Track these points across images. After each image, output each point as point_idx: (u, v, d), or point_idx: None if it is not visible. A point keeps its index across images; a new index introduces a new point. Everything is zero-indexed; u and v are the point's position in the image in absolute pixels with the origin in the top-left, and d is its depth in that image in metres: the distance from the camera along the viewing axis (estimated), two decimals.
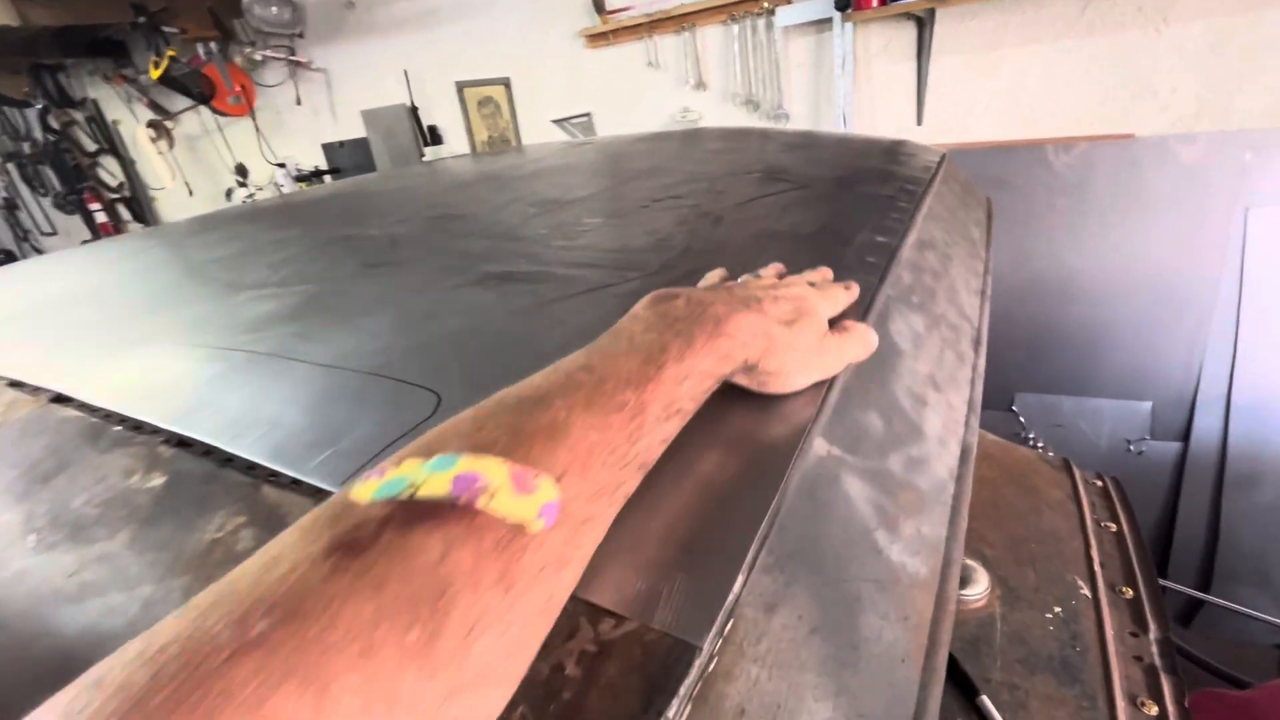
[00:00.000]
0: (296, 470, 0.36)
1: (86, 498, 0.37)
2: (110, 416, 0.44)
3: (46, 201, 5.74)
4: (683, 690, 0.26)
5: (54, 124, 4.99)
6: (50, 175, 5.41)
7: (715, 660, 0.28)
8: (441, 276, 0.61)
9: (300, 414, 0.40)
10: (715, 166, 1.03)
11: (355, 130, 3.61)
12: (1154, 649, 0.86)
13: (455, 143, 3.29)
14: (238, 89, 3.62)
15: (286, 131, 3.89)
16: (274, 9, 3.26)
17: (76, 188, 5.25)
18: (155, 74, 3.26)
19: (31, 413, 0.46)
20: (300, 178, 3.89)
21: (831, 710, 0.30)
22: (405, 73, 3.19)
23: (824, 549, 0.36)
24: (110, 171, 5.18)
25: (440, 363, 0.45)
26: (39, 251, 6.76)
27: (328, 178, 3.84)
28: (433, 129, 3.31)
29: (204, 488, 0.36)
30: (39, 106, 4.84)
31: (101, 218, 5.32)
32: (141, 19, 3.18)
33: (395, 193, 1.15)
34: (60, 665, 0.31)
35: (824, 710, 0.29)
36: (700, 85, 2.48)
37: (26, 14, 2.84)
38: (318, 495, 0.35)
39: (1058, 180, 2.03)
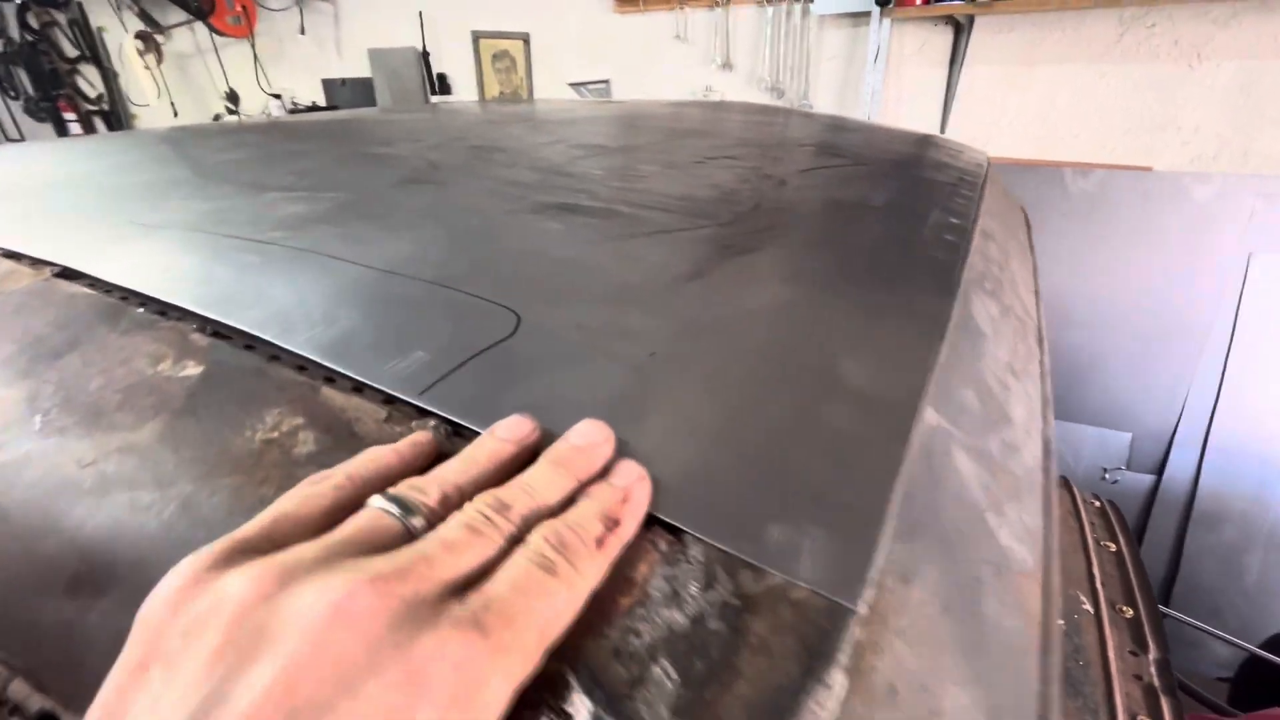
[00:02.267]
0: (365, 374, 0.31)
1: (104, 381, 0.32)
2: (129, 298, 0.38)
3: (16, 106, 5.40)
4: (842, 658, 0.22)
5: (33, 23, 4.68)
6: (23, 77, 5.08)
7: (864, 629, 0.24)
8: (495, 201, 0.56)
9: (359, 316, 0.35)
10: (764, 135, 0.99)
11: (359, 69, 3.45)
12: (1153, 669, 0.86)
13: (464, 94, 3.17)
14: (239, 8, 3.43)
15: (286, 62, 3.71)
16: None
17: (51, 94, 4.95)
18: None
19: (33, 285, 0.40)
20: (295, 111, 3.71)
21: (970, 698, 0.26)
22: (420, 14, 3.06)
23: (944, 523, 0.32)
24: (89, 81, 4.90)
25: (512, 283, 0.40)
26: None
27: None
28: (442, 77, 3.18)
29: (250, 382, 0.31)
30: (18, 2, 4.54)
31: (75, 129, 5.03)
32: None
33: (413, 123, 1.08)
34: (74, 565, 0.25)
35: (963, 697, 0.26)
36: (727, 65, 2.42)
37: None
38: (391, 404, 0.30)
39: (1071, 205, 2.04)
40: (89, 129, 5.04)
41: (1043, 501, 0.42)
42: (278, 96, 3.77)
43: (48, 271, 0.41)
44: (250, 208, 0.53)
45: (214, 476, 0.27)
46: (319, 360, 0.32)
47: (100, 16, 4.52)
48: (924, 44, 2.10)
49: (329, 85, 3.66)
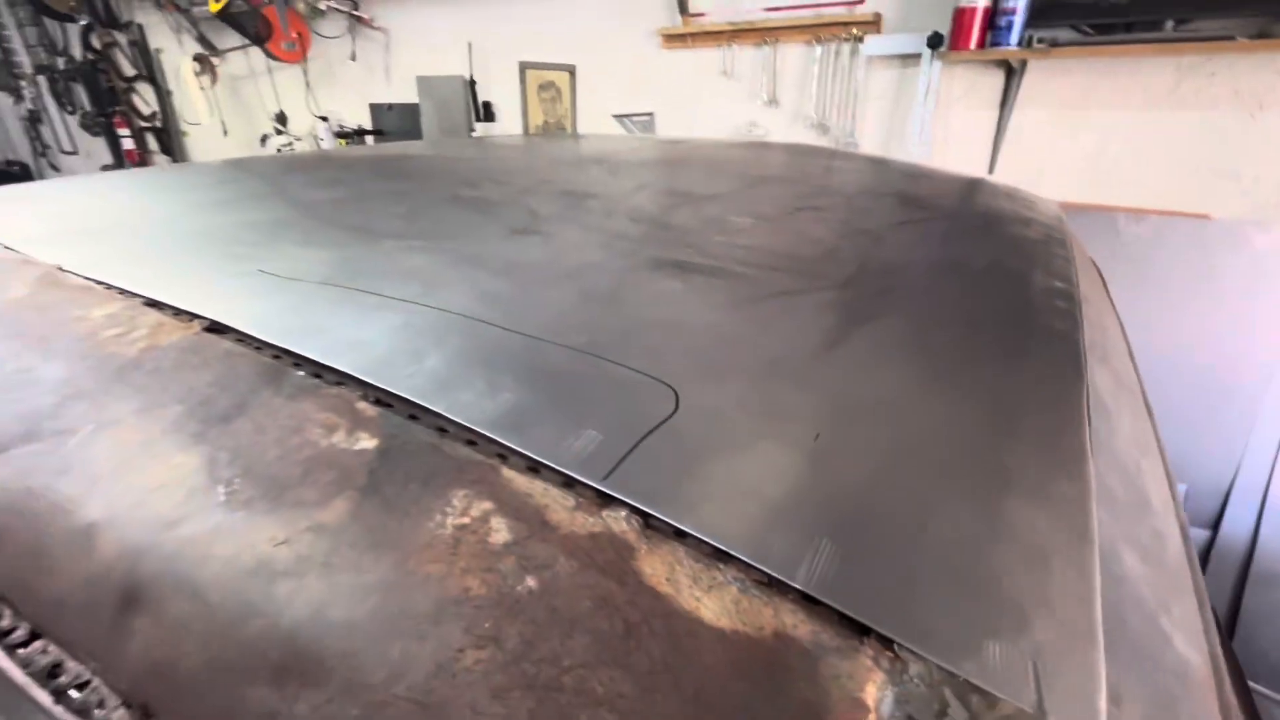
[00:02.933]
0: (544, 454, 0.30)
1: (280, 451, 0.32)
2: (281, 356, 0.39)
3: (73, 120, 5.63)
4: None
5: (95, 43, 4.89)
6: (82, 94, 5.30)
7: None
8: (610, 256, 0.56)
9: (521, 387, 0.35)
10: (840, 182, 0.99)
11: (407, 95, 3.55)
12: None
13: (507, 122, 3.23)
14: (294, 35, 3.55)
15: (335, 85, 3.83)
16: None
17: (108, 110, 5.15)
18: (215, 7, 3.19)
19: (186, 340, 0.41)
20: (341, 134, 3.82)
21: None
22: (469, 44, 3.14)
23: (1131, 632, 0.31)
24: (145, 99, 5.08)
25: (659, 353, 0.40)
26: (55, 169, 6.64)
27: (370, 139, 3.78)
28: (487, 105, 3.26)
29: (428, 459, 0.31)
30: (83, 23, 4.75)
31: (128, 144, 5.22)
32: None
33: (480, 162, 1.10)
34: (279, 652, 0.25)
35: None
36: (773, 102, 2.45)
37: None
38: (572, 487, 0.30)
39: (1124, 249, 2.01)
40: (141, 145, 5.22)
41: (1196, 599, 0.41)
42: (325, 119, 3.88)
43: (196, 325, 0.42)
44: (372, 258, 0.53)
45: (415, 565, 0.27)
46: (496, 438, 0.32)
47: (159, 38, 4.71)
48: (973, 85, 2.10)
49: (376, 110, 3.76)
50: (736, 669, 0.23)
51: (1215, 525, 2.06)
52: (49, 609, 0.30)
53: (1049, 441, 0.38)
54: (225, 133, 4.62)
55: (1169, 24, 1.72)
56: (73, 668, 0.30)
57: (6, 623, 0.32)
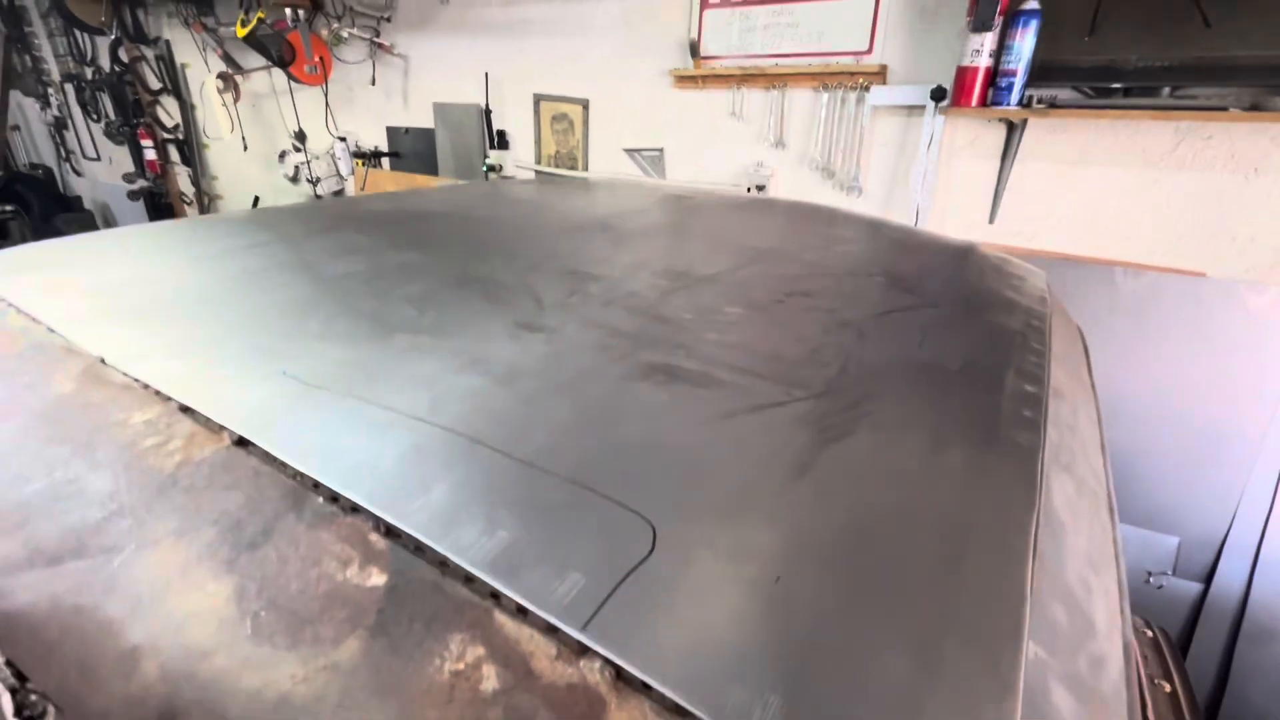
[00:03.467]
0: (531, 600, 0.35)
1: (301, 585, 0.36)
2: (302, 478, 0.43)
3: (98, 128, 5.77)
4: None
5: (123, 56, 5.03)
6: (107, 103, 5.44)
7: None
8: (604, 360, 0.61)
9: (515, 523, 0.39)
10: (833, 259, 1.03)
11: (423, 120, 3.64)
12: None
13: (521, 150, 3.31)
14: (316, 59, 3.65)
15: (354, 107, 3.92)
16: None
17: (132, 121, 5.28)
18: (241, 32, 3.29)
19: (217, 454, 0.45)
20: (358, 154, 3.91)
21: None
22: (486, 75, 3.22)
23: None
24: (168, 112, 5.21)
25: (641, 482, 0.44)
26: (78, 173, 6.79)
27: (385, 161, 3.86)
28: (501, 134, 3.33)
29: (430, 599, 0.35)
30: (112, 37, 4.89)
31: (150, 155, 5.34)
32: None
33: (495, 223, 1.15)
34: None
35: None
36: (780, 144, 2.50)
37: None
38: (554, 634, 0.34)
39: (1121, 303, 2.04)
40: (164, 156, 5.35)
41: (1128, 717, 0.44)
42: (343, 139, 3.97)
43: (226, 438, 0.47)
44: (385, 359, 0.58)
45: (416, 709, 0.31)
46: (489, 581, 0.36)
47: (185, 53, 4.83)
48: (976, 138, 2.15)
49: (393, 133, 3.85)
50: None
51: (1208, 579, 2.07)
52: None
53: (990, 582, 0.41)
54: (245, 148, 4.73)
55: (1166, 90, 1.77)
56: None
57: None
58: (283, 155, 4.52)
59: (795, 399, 0.58)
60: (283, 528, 0.40)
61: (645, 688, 0.32)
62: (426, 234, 1.04)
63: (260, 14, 3.30)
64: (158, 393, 0.52)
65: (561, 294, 0.76)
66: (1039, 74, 1.87)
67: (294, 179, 4.52)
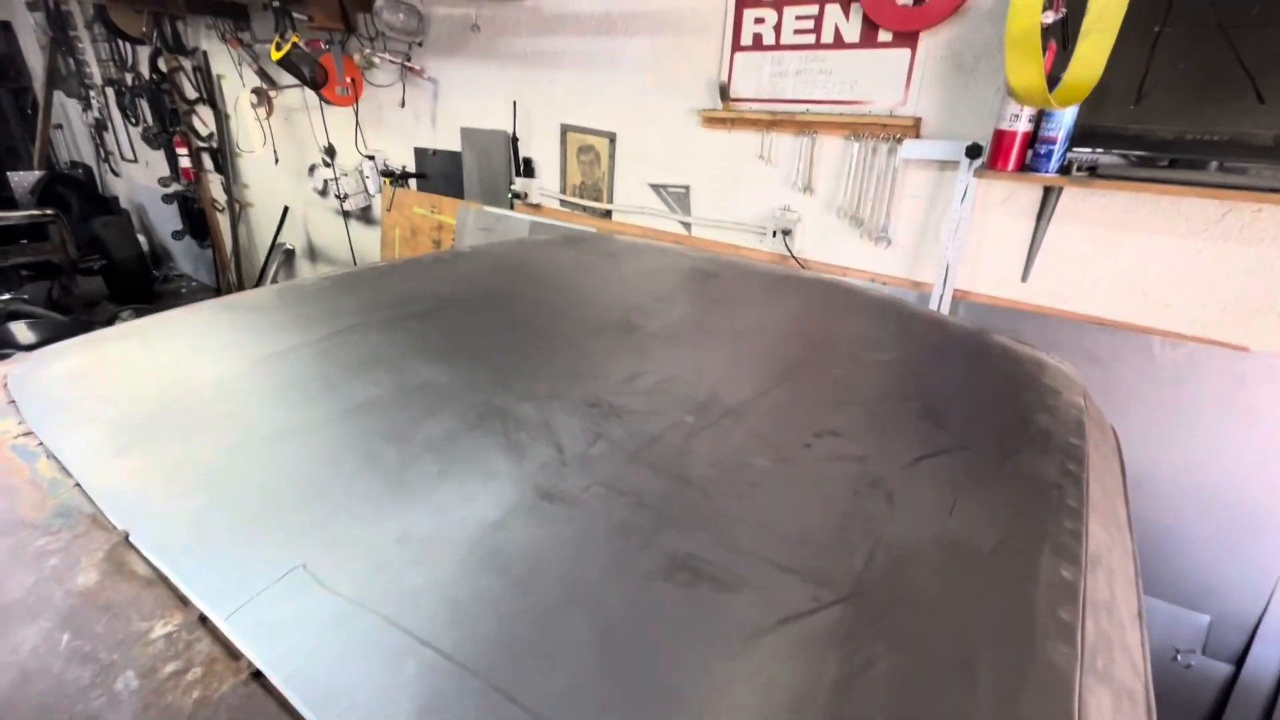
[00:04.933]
0: None
1: None
2: None
3: (136, 131, 5.91)
4: None
5: (162, 66, 5.13)
6: (146, 108, 5.57)
7: None
8: (625, 548, 0.60)
9: None
10: (863, 377, 1.00)
11: (450, 142, 3.66)
12: None
13: (546, 179, 3.31)
14: (348, 81, 3.69)
15: (383, 127, 3.96)
16: (401, 15, 3.32)
17: (169, 128, 5.40)
18: (276, 55, 3.33)
19: (234, 692, 0.45)
20: (386, 173, 3.95)
21: None
22: (514, 103, 3.23)
23: None
24: (203, 121, 5.31)
25: None
26: (116, 174, 6.96)
27: (413, 181, 3.89)
28: (528, 161, 3.34)
29: None
30: (152, 47, 5.00)
31: (185, 162, 5.45)
32: (275, 2, 3.26)
33: (521, 316, 1.14)
34: None
35: None
36: (808, 189, 2.47)
37: None
38: None
39: (1158, 373, 1.98)
40: (198, 164, 5.46)
41: None
42: (371, 158, 4.01)
43: (245, 668, 0.46)
44: (406, 557, 0.57)
45: None
46: None
47: (221, 65, 4.92)
48: (1011, 195, 2.10)
49: (420, 154, 3.88)
50: None
51: (1240, 661, 2.00)
52: None
53: None
54: (277, 160, 4.80)
55: (1214, 164, 1.70)
56: None
57: None
58: (312, 169, 4.58)
59: (822, 605, 0.56)
60: None
61: None
62: (449, 333, 1.03)
63: (295, 38, 3.34)
64: (179, 596, 0.52)
65: (583, 442, 0.75)
66: (1081, 138, 1.82)
67: (323, 192, 4.58)
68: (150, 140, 5.62)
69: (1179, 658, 2.04)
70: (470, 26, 3.26)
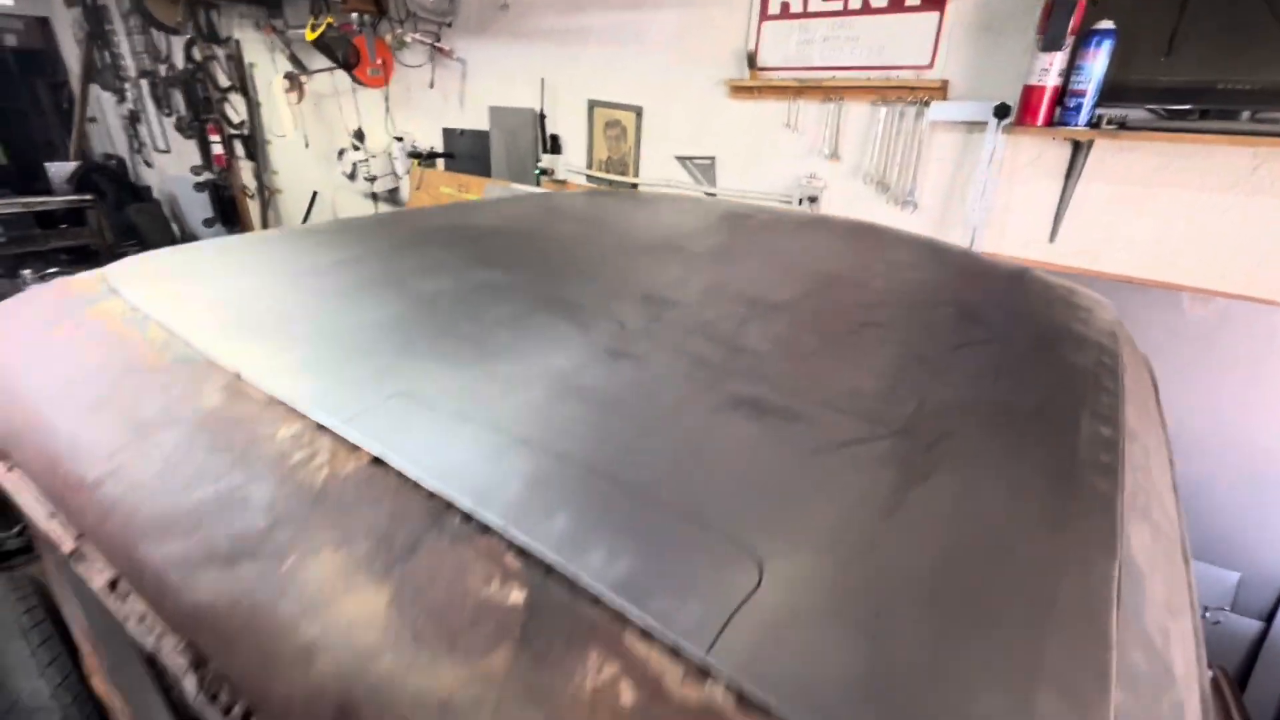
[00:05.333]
0: (658, 624, 0.38)
1: (450, 597, 0.41)
2: (435, 497, 0.48)
3: (169, 122, 6.07)
4: None
5: (196, 55, 5.27)
6: (179, 99, 5.73)
7: None
8: (692, 389, 0.65)
9: (632, 549, 0.43)
10: (901, 287, 1.04)
11: (478, 122, 3.73)
12: None
13: (573, 155, 3.37)
14: (379, 62, 3.78)
15: (412, 109, 4.04)
16: None
17: (201, 116, 5.54)
18: (311, 36, 3.42)
19: (359, 471, 0.50)
20: (414, 154, 4.03)
21: None
22: (542, 81, 3.29)
23: None
24: (235, 109, 5.45)
25: (744, 515, 0.48)
26: (148, 164, 7.14)
27: (440, 161, 3.97)
28: (554, 138, 3.40)
29: (566, 618, 0.39)
30: (187, 37, 5.14)
31: (217, 150, 5.60)
32: None
33: (565, 242, 1.19)
34: None
35: None
36: (834, 155, 2.50)
37: None
38: (679, 657, 0.37)
39: (1188, 329, 1.99)
40: (229, 151, 5.59)
41: None
42: (400, 139, 4.10)
43: (366, 456, 0.52)
44: (493, 385, 0.63)
45: (557, 713, 0.35)
46: (617, 605, 0.40)
47: (253, 54, 5.05)
48: (1039, 156, 2.12)
49: (449, 134, 3.96)
50: None
51: (1270, 617, 2.00)
52: (277, 707, 0.40)
53: (1076, 629, 0.44)
54: (307, 145, 4.91)
55: (1245, 114, 1.72)
56: None
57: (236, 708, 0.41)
58: (341, 153, 4.69)
59: (878, 436, 0.60)
60: (427, 542, 0.44)
61: (764, 710, 0.35)
62: (501, 252, 1.09)
63: (329, 19, 3.43)
64: (295, 410, 0.58)
65: (643, 320, 0.80)
66: (1110, 93, 1.84)
67: (351, 176, 4.68)
68: (183, 129, 5.77)
69: (1208, 614, 2.04)
70: (499, 6, 3.33)
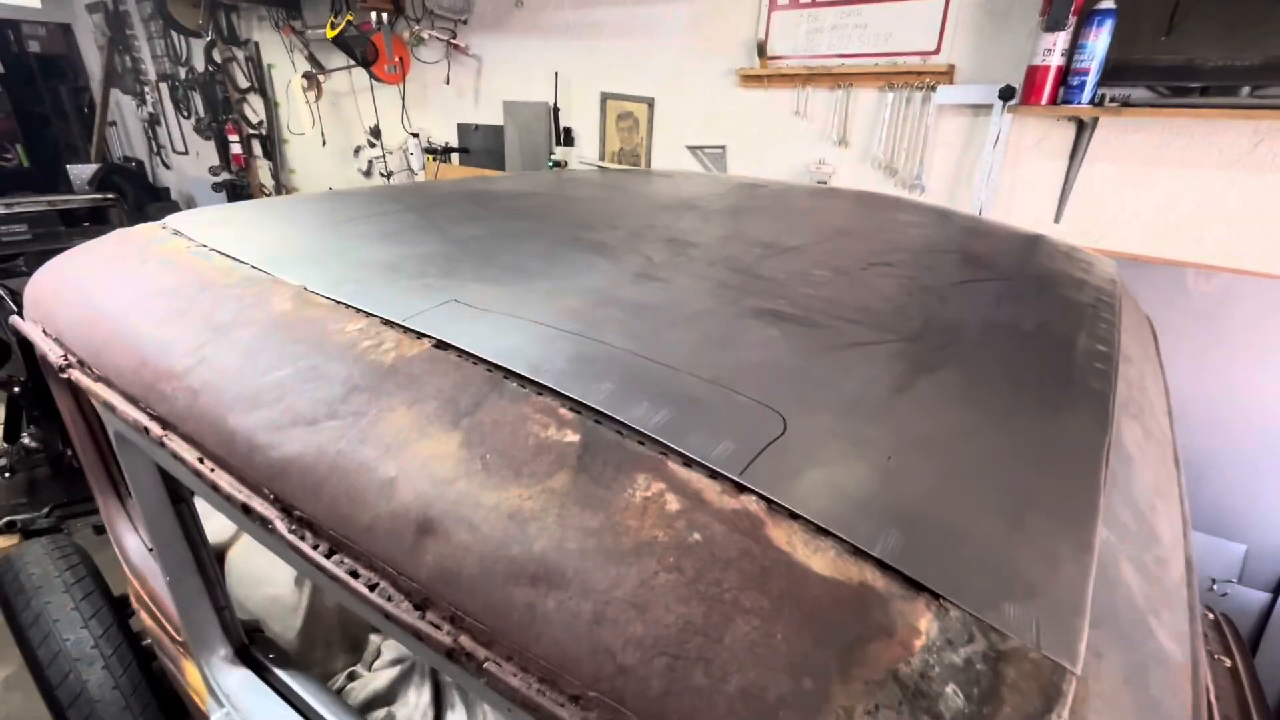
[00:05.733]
0: (696, 453, 0.44)
1: (514, 438, 0.47)
2: (494, 369, 0.54)
3: (188, 124, 6.22)
4: (1063, 706, 0.33)
5: (216, 57, 5.41)
6: (198, 100, 5.87)
7: (1078, 685, 0.34)
8: (717, 303, 0.70)
9: (671, 405, 0.49)
10: (910, 239, 1.10)
11: (493, 117, 3.82)
12: None
13: (585, 148, 3.44)
14: (396, 59, 3.87)
15: (428, 105, 4.14)
16: None
17: (220, 117, 5.68)
18: (331, 33, 3.52)
19: (424, 353, 0.56)
20: (429, 150, 4.12)
21: None
22: (556, 74, 3.37)
23: (1120, 618, 0.42)
24: (253, 109, 5.57)
25: (769, 387, 0.53)
26: (167, 166, 7.28)
27: (455, 156, 4.06)
28: (568, 130, 3.47)
29: (616, 451, 0.45)
30: (208, 39, 5.27)
31: (236, 149, 5.72)
32: None
33: (588, 201, 1.25)
34: (534, 566, 0.39)
35: None
36: (843, 142, 2.56)
37: None
38: (716, 478, 0.43)
39: (1192, 305, 2.02)
40: (248, 150, 5.71)
41: (1188, 612, 0.51)
42: (416, 135, 4.19)
43: (427, 343, 0.58)
44: (534, 296, 0.68)
45: (619, 519, 0.41)
46: (662, 440, 0.45)
47: (271, 55, 5.17)
48: (1044, 137, 2.17)
49: (463, 129, 4.05)
50: (833, 601, 0.36)
51: (1277, 589, 2.03)
52: (361, 534, 0.46)
53: (1071, 478, 0.49)
54: (324, 143, 5.02)
55: (1245, 90, 1.76)
56: (365, 573, 0.45)
57: (322, 546, 0.47)
58: (357, 150, 4.79)
59: (889, 340, 0.66)
60: (490, 402, 0.50)
61: (793, 516, 0.41)
62: (529, 208, 1.15)
63: (349, 16, 3.53)
64: (360, 310, 0.64)
65: (667, 255, 0.86)
66: (1112, 73, 1.89)
67: (367, 173, 4.78)
68: (202, 131, 5.91)
69: (1215, 587, 2.07)
70: (514, 2, 3.41)
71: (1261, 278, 1.94)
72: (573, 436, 0.46)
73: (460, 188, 1.33)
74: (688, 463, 0.44)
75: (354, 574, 0.46)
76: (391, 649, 1.32)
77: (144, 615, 1.16)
